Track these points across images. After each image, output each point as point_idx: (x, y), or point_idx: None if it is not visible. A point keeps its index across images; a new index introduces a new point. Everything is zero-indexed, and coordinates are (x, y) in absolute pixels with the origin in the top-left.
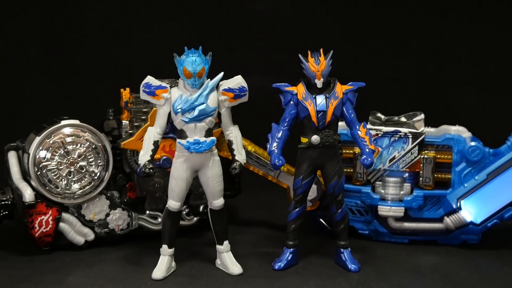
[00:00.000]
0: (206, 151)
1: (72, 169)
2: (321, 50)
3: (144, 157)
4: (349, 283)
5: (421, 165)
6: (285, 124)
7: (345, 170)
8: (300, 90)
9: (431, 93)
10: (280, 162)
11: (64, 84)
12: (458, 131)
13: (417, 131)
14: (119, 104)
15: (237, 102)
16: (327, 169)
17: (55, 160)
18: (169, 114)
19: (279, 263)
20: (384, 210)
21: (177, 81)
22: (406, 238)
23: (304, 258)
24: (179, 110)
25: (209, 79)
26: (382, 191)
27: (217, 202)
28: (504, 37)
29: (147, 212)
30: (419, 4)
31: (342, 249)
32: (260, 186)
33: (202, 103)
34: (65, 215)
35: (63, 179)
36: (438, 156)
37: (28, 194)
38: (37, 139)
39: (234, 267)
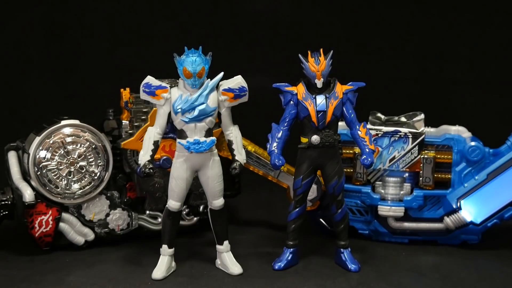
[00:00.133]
0: (206, 151)
1: (72, 169)
2: (321, 50)
3: (144, 157)
4: (349, 283)
5: (421, 165)
6: (285, 124)
7: (345, 170)
8: (300, 90)
9: (431, 93)
10: (280, 162)
11: (64, 84)
12: (458, 131)
13: (417, 131)
14: (119, 104)
15: (237, 102)
16: (327, 169)
17: (55, 160)
18: (169, 114)
19: (279, 263)
20: (384, 210)
21: (177, 81)
22: (406, 238)
23: (304, 258)
24: (179, 110)
25: (209, 79)
26: (382, 191)
27: (217, 202)
28: (504, 37)
29: (147, 212)
30: (419, 4)
31: (342, 249)
32: (260, 186)
33: (202, 103)
34: (65, 215)
35: (63, 179)
36: (438, 156)
37: (28, 194)
38: (37, 139)
39: (234, 267)
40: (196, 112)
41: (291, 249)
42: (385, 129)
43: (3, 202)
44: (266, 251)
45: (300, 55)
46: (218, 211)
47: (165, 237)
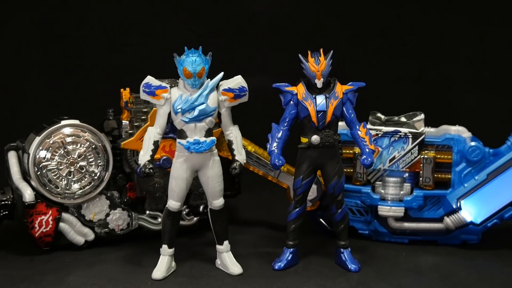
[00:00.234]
0: (206, 151)
1: (72, 169)
2: (321, 50)
3: (144, 157)
4: (349, 283)
5: (421, 165)
6: (285, 124)
7: (345, 170)
8: (300, 90)
9: (431, 93)
10: (280, 162)
11: (64, 84)
12: (458, 131)
13: (417, 131)
14: (119, 104)
15: (237, 102)
16: (327, 169)
17: (55, 160)
18: (169, 114)
19: (279, 263)
20: (384, 210)
21: (177, 81)
22: (406, 238)
23: (304, 258)
24: (179, 110)
25: (209, 79)
26: (382, 191)
27: (217, 202)
28: (504, 37)
29: (147, 212)
30: (419, 4)
31: (342, 249)
32: (260, 186)
33: (202, 103)
34: (65, 215)
35: (63, 179)
36: (438, 156)
37: (28, 194)
38: (37, 139)
39: (234, 267)
40: (196, 112)
41: (291, 249)
42: (385, 129)
43: (3, 202)
44: (266, 251)
45: (300, 55)
46: (218, 211)
47: (165, 237)
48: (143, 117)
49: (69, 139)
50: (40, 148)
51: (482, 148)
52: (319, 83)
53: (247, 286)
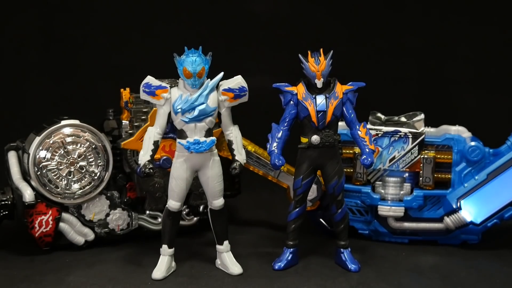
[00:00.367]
0: (206, 151)
1: (72, 169)
2: (321, 50)
3: (144, 157)
4: (349, 283)
5: (421, 165)
6: (285, 124)
7: (345, 170)
8: (300, 90)
9: (431, 93)
10: (280, 162)
11: (64, 84)
12: (458, 131)
13: (417, 131)
14: (119, 104)
15: (237, 102)
16: (327, 169)
17: (55, 160)
18: (169, 114)
19: (279, 263)
20: (384, 210)
21: (177, 81)
22: (406, 238)
23: (304, 258)
24: (179, 110)
25: (209, 79)
26: (382, 191)
27: (217, 202)
28: (504, 37)
29: (147, 212)
30: (419, 4)
31: (342, 249)
32: (260, 186)
33: (202, 103)
34: (65, 215)
35: (63, 179)
36: (438, 156)
37: (28, 194)
38: (37, 139)
39: (234, 267)
40: (196, 112)
41: (291, 249)
42: (385, 129)
43: (3, 202)
44: (266, 251)
45: (300, 55)
46: (218, 211)
47: (165, 237)
48: (143, 117)
49: (69, 139)
50: (40, 148)
51: (482, 148)
52: (319, 83)
53: (247, 286)
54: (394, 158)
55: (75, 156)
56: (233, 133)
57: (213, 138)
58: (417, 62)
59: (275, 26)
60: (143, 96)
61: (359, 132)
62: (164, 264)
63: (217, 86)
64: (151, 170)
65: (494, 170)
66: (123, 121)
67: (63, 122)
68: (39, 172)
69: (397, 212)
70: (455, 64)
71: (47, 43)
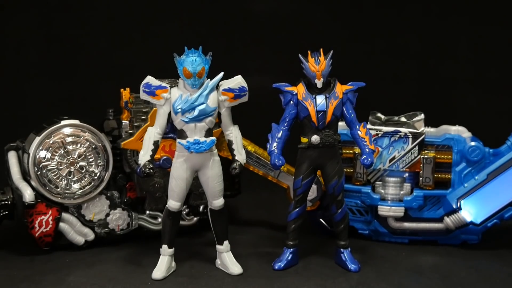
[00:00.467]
0: (206, 151)
1: (72, 169)
2: (321, 50)
3: (144, 157)
4: (349, 283)
5: (421, 165)
6: (285, 124)
7: (345, 170)
8: (300, 90)
9: (431, 93)
10: (280, 162)
11: (64, 84)
12: (458, 131)
13: (417, 131)
14: (119, 104)
15: (237, 102)
16: (327, 169)
17: (55, 160)
18: (169, 114)
19: (279, 263)
20: (384, 210)
21: (177, 81)
22: (406, 238)
23: (304, 258)
24: (179, 110)
25: (209, 79)
26: (382, 191)
27: (217, 202)
28: (504, 37)
29: (147, 212)
30: (419, 4)
31: (342, 249)
32: (260, 186)
33: (202, 103)
34: (65, 215)
35: (63, 179)
36: (438, 156)
37: (28, 194)
38: (37, 139)
39: (234, 267)
40: (196, 112)
41: (291, 249)
42: (385, 129)
43: (3, 202)
44: (266, 251)
45: (300, 55)
46: (218, 211)
47: (165, 237)
48: (143, 117)
49: (69, 139)
50: (40, 148)
51: (482, 148)
52: (319, 83)
53: (247, 286)
54: (394, 158)
55: (75, 156)
56: (233, 133)
57: (213, 138)
58: (417, 62)
59: (275, 26)
60: (143, 96)
61: (359, 132)
62: (164, 264)
63: (217, 86)
64: (151, 170)
65: (494, 170)
66: (123, 121)
67: (63, 122)
68: (39, 172)
69: (397, 212)
70: (455, 64)
71: (47, 43)
